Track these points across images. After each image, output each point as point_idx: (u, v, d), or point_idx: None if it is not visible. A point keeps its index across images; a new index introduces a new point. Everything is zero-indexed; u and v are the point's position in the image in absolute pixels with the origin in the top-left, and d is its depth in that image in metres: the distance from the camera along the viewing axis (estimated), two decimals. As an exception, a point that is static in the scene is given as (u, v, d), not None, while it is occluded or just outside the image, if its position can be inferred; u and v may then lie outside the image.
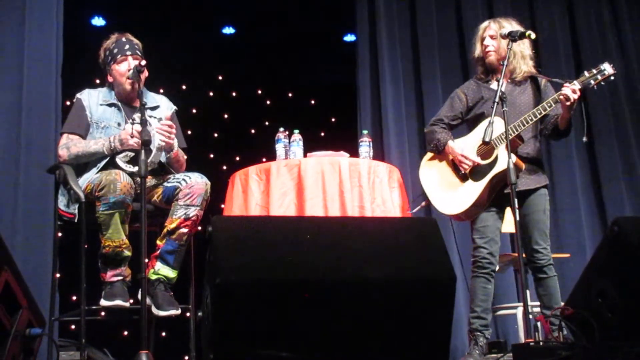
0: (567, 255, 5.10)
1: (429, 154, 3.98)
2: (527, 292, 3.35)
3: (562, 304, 3.63)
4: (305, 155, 4.19)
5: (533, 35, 3.60)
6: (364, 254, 2.55)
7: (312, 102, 6.30)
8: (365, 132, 4.50)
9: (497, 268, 3.76)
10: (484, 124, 3.70)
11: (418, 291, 2.52)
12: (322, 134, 6.10)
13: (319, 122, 6.09)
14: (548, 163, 5.67)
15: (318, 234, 2.59)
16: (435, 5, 5.87)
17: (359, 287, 2.48)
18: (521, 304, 3.91)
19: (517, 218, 3.27)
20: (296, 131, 4.26)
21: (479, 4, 5.88)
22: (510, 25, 3.80)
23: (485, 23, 3.90)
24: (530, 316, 3.22)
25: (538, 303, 4.23)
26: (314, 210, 3.93)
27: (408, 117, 5.63)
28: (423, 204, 4.02)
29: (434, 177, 3.90)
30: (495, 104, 3.39)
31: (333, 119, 6.26)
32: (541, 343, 3.02)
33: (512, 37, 3.56)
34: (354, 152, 4.34)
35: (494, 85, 3.84)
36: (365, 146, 4.30)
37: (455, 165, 3.84)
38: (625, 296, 2.76)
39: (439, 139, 3.87)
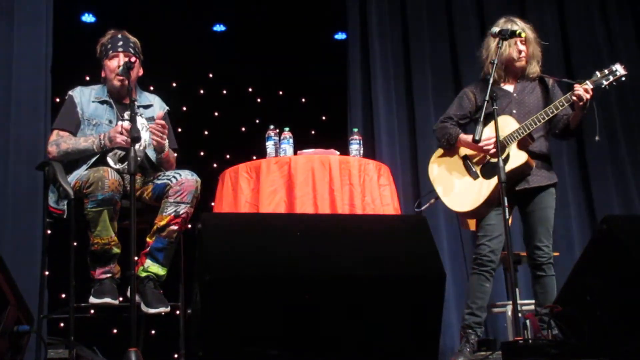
0: (556, 253, 5.09)
1: (439, 151, 3.96)
2: (517, 290, 3.35)
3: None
4: (295, 153, 4.19)
5: (523, 35, 3.62)
6: (354, 251, 2.56)
7: (303, 100, 6.29)
8: (355, 130, 4.50)
9: (496, 267, 3.74)
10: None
11: (408, 288, 2.53)
12: (313, 132, 6.09)
13: (309, 120, 6.07)
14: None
15: (308, 231, 2.59)
16: (426, 3, 5.87)
17: (349, 284, 2.48)
18: (511, 302, 3.92)
19: (507, 216, 3.28)
20: (286, 129, 4.25)
21: (468, 3, 5.88)
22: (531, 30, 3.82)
23: (516, 27, 3.76)
24: (520, 314, 3.24)
25: (527, 301, 4.24)
26: (304, 208, 3.92)
27: (398, 115, 5.64)
28: (432, 201, 4.01)
29: (444, 174, 3.88)
30: (487, 102, 3.41)
31: (323, 117, 6.24)
32: (530, 341, 3.03)
33: (503, 35, 3.58)
34: (344, 150, 4.34)
35: (505, 86, 3.85)
36: (356, 144, 4.29)
37: (465, 163, 3.83)
38: (613, 294, 2.77)
39: (450, 133, 3.84)
